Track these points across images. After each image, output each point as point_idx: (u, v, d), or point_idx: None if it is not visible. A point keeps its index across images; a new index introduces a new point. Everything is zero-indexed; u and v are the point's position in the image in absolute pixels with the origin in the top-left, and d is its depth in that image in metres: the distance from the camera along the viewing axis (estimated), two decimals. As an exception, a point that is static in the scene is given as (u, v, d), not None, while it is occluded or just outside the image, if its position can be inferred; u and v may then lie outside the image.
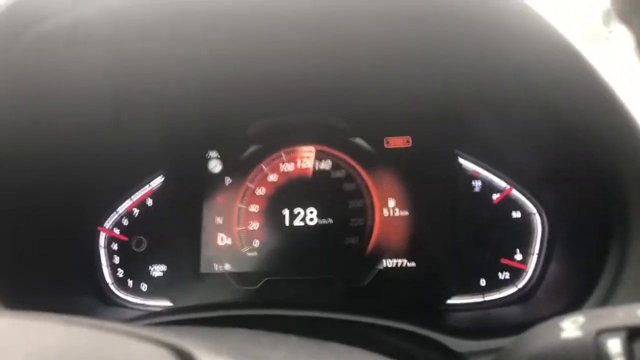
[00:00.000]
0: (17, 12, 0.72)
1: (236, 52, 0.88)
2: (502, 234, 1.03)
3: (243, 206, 1.15)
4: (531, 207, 1.03)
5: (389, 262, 1.06)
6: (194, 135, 1.19)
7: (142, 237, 1.20)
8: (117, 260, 1.20)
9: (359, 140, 1.12)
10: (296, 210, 1.11)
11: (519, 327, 0.81)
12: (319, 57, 0.91)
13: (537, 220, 1.02)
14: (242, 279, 1.10)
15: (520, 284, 1.01)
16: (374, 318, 0.84)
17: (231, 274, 1.11)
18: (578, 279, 0.84)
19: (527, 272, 1.01)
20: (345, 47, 0.87)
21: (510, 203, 1.05)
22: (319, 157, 1.14)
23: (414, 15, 0.73)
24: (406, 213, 1.07)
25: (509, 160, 1.05)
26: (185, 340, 0.41)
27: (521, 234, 1.02)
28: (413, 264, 1.05)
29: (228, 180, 1.17)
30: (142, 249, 1.20)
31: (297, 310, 0.85)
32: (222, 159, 1.18)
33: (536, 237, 1.02)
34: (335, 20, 0.76)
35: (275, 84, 1.03)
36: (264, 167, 1.15)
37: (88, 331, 0.42)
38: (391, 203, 1.08)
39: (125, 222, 1.21)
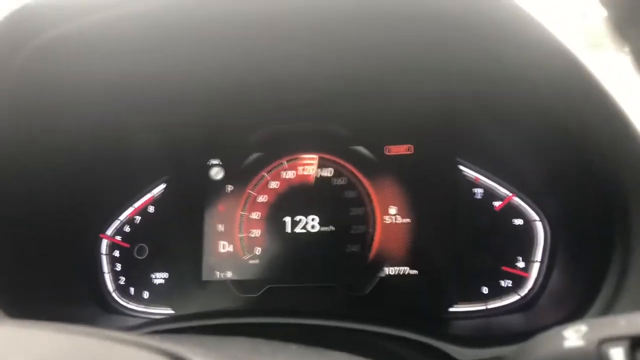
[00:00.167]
0: (17, 22, 0.73)
1: (238, 60, 0.89)
2: (504, 241, 1.03)
3: (245, 213, 1.15)
4: (533, 215, 1.03)
5: (390, 270, 1.06)
6: (196, 143, 1.20)
7: (144, 245, 1.20)
8: (119, 267, 1.20)
9: (361, 148, 1.12)
10: (297, 217, 1.11)
11: (522, 335, 0.81)
12: (320, 65, 0.91)
13: (539, 228, 1.02)
14: (243, 287, 1.10)
15: (523, 292, 1.00)
16: (376, 326, 0.84)
17: (233, 281, 1.11)
18: (581, 286, 0.84)
19: (529, 280, 1.01)
20: (347, 55, 0.88)
21: (512, 210, 1.05)
22: (321, 164, 1.14)
23: (414, 23, 0.74)
24: (408, 220, 1.07)
25: (510, 167, 1.05)
26: (185, 348, 0.41)
27: (523, 242, 1.02)
28: (415, 272, 1.05)
29: (230, 188, 1.17)
30: (144, 257, 1.20)
31: (298, 318, 0.85)
32: (224, 166, 1.18)
33: (538, 244, 1.01)
34: (336, 29, 0.77)
35: (277, 92, 1.03)
36: (265, 174, 1.16)
37: (86, 339, 0.42)
38: (392, 211, 1.08)
39: (127, 229, 1.22)
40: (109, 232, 1.22)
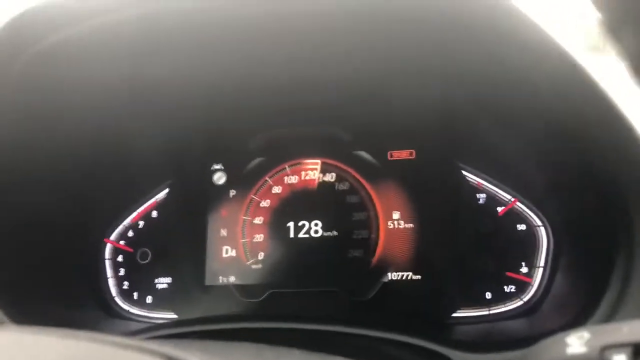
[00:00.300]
0: (18, 28, 0.73)
1: (239, 65, 0.89)
2: (507, 246, 1.03)
3: (247, 218, 1.15)
4: (536, 220, 1.03)
5: (393, 275, 1.05)
6: (198, 148, 1.20)
7: (147, 249, 1.20)
8: (122, 272, 1.20)
9: (363, 153, 1.13)
10: (301, 222, 1.11)
11: (525, 340, 0.81)
12: (322, 70, 0.92)
13: (542, 233, 1.02)
14: (246, 292, 1.10)
15: (526, 297, 1.00)
16: (379, 331, 0.84)
17: (236, 286, 1.11)
18: (584, 291, 0.84)
19: (532, 285, 1.00)
20: (348, 59, 0.88)
21: (514, 215, 1.05)
22: (323, 169, 1.14)
23: (415, 27, 0.74)
24: (411, 225, 1.07)
25: (513, 172, 1.05)
26: (187, 354, 0.41)
27: (526, 247, 1.02)
28: (418, 277, 1.05)
29: (232, 193, 1.17)
30: (147, 261, 1.20)
31: (301, 323, 0.85)
32: (227, 171, 1.19)
33: (541, 249, 1.01)
34: (338, 33, 0.77)
35: (279, 97, 1.04)
36: (268, 179, 1.16)
37: (89, 345, 0.42)
38: (395, 215, 1.08)
39: (130, 234, 1.22)
40: (112, 237, 1.22)
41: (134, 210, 1.23)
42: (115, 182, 1.17)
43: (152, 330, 0.92)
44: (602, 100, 0.59)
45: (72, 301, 1.11)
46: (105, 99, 0.95)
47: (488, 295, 1.02)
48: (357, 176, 1.12)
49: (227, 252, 1.14)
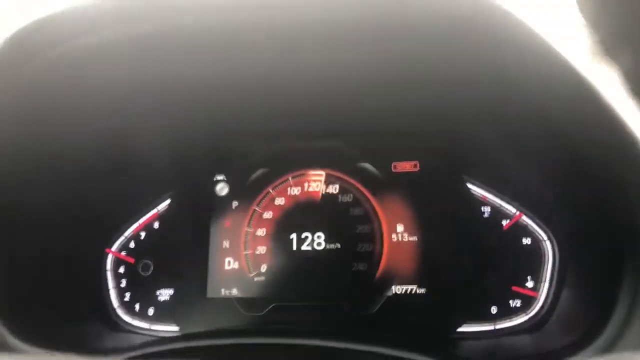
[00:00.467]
0: (23, 39, 0.73)
1: (244, 77, 0.89)
2: (513, 260, 1.02)
3: (250, 230, 1.14)
4: (542, 234, 1.02)
5: (398, 289, 1.04)
6: (201, 158, 1.20)
7: (148, 261, 1.20)
8: (123, 283, 1.19)
9: (367, 165, 1.12)
10: (304, 234, 1.11)
11: (531, 357, 0.80)
12: (326, 82, 0.91)
13: (548, 247, 1.01)
14: (249, 305, 1.09)
15: (532, 312, 1.00)
16: (383, 347, 0.83)
17: (238, 299, 1.10)
18: (591, 307, 0.83)
19: (538, 300, 1.00)
20: (353, 72, 0.87)
21: (520, 229, 1.04)
22: (327, 181, 1.13)
23: (421, 41, 0.73)
24: (415, 238, 1.06)
25: (518, 185, 1.05)
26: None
27: (532, 261, 1.01)
28: (422, 291, 1.04)
29: (235, 204, 1.16)
30: (149, 273, 1.19)
31: (303, 339, 0.84)
32: (229, 182, 1.18)
33: (547, 264, 1.01)
34: (342, 45, 0.77)
35: (283, 109, 1.03)
36: (271, 190, 1.15)
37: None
38: (400, 228, 1.07)
39: (132, 245, 1.21)
40: (114, 248, 1.21)
41: (136, 221, 1.22)
42: (117, 192, 1.17)
43: (154, 345, 0.91)
44: (608, 115, 0.58)
45: (74, 313, 1.09)
46: (108, 109, 0.94)
47: (493, 309, 1.01)
48: (361, 188, 1.11)
49: (229, 264, 1.13)
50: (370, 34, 0.73)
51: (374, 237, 1.08)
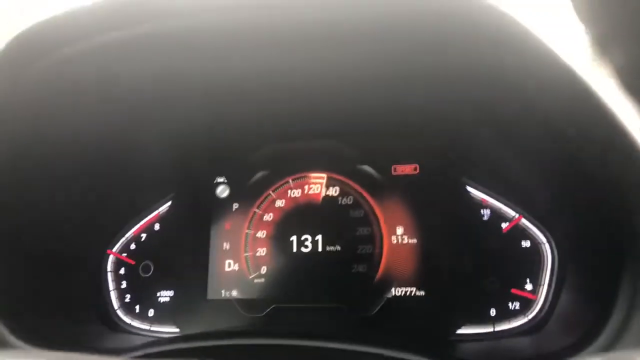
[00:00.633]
0: (24, 42, 0.73)
1: (244, 78, 0.89)
2: (512, 263, 1.02)
3: (250, 232, 1.14)
4: (541, 237, 1.02)
5: (397, 291, 1.05)
6: (202, 161, 1.20)
7: (149, 262, 1.20)
8: (124, 285, 1.20)
9: (367, 167, 1.12)
10: (304, 236, 1.11)
11: (530, 359, 0.80)
12: (326, 84, 0.92)
13: (547, 250, 1.02)
14: (249, 306, 1.09)
15: (531, 315, 1.00)
16: (383, 349, 0.83)
17: (238, 300, 1.10)
18: (590, 310, 0.83)
19: (537, 303, 1.00)
20: (354, 74, 0.88)
21: (519, 232, 1.04)
22: (327, 183, 1.13)
23: (421, 44, 0.74)
24: (414, 241, 1.07)
25: (517, 188, 1.05)
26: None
27: (531, 264, 1.01)
28: (422, 293, 1.04)
29: (235, 206, 1.17)
30: (149, 274, 1.19)
31: (303, 340, 0.85)
32: (230, 184, 1.18)
33: (546, 266, 1.01)
34: (343, 47, 0.77)
35: (283, 111, 1.04)
36: (271, 193, 1.15)
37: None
38: (399, 230, 1.08)
39: (132, 246, 1.22)
40: (115, 249, 1.22)
41: (137, 223, 1.22)
42: (118, 194, 1.17)
43: (153, 346, 0.91)
44: (606, 116, 0.59)
45: (74, 314, 1.10)
46: (110, 111, 0.95)
47: (492, 312, 1.01)
48: (361, 190, 1.12)
49: (229, 266, 1.13)
50: (369, 35, 0.74)
51: (373, 239, 1.08)
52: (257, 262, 1.12)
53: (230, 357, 0.86)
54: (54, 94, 0.84)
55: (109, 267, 1.21)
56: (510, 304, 1.01)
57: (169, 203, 1.22)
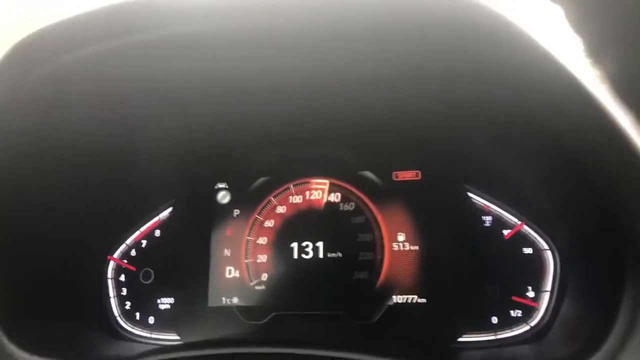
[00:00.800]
0: (25, 50, 0.73)
1: (245, 84, 0.89)
2: (514, 270, 1.02)
3: (251, 238, 1.14)
4: (543, 244, 1.02)
5: (398, 298, 1.04)
6: (203, 167, 1.20)
7: (149, 269, 1.20)
8: (124, 292, 1.19)
9: (368, 174, 1.12)
10: (305, 243, 1.11)
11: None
12: (328, 90, 0.92)
13: (549, 257, 1.01)
14: (250, 314, 1.09)
15: (533, 322, 0.99)
16: (384, 357, 0.82)
17: (239, 307, 1.10)
18: (593, 318, 0.82)
19: (539, 310, 0.99)
20: (355, 80, 0.88)
21: (521, 239, 1.04)
22: (328, 190, 1.13)
23: (422, 49, 0.74)
24: (416, 247, 1.06)
25: (519, 195, 1.04)
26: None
27: (533, 271, 1.01)
28: (423, 300, 1.04)
29: (236, 212, 1.16)
30: (150, 281, 1.19)
31: (304, 348, 0.84)
32: (231, 190, 1.18)
33: (548, 274, 1.00)
34: (345, 52, 0.77)
35: (285, 117, 1.04)
36: (272, 199, 1.15)
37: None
38: (401, 237, 1.07)
39: (133, 253, 1.21)
40: (115, 256, 1.21)
41: (137, 229, 1.22)
42: (118, 200, 1.17)
43: (154, 354, 0.91)
44: (608, 123, 0.59)
45: (74, 321, 1.09)
46: (110, 117, 0.95)
47: (494, 319, 1.01)
48: (363, 197, 1.11)
49: (230, 273, 1.13)
50: (373, 45, 0.74)
51: (375, 246, 1.08)
52: (258, 268, 1.12)
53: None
54: (55, 101, 0.84)
55: (110, 273, 1.20)
56: (511, 312, 1.01)
57: (170, 209, 1.22)
